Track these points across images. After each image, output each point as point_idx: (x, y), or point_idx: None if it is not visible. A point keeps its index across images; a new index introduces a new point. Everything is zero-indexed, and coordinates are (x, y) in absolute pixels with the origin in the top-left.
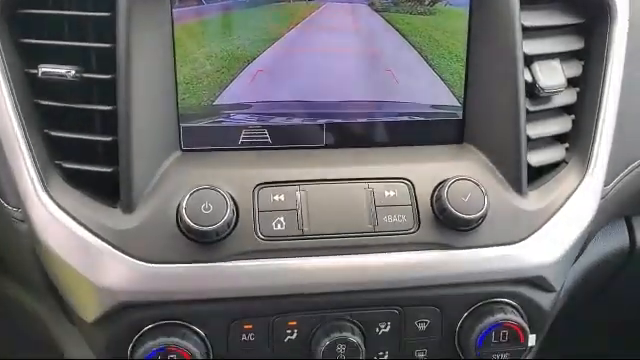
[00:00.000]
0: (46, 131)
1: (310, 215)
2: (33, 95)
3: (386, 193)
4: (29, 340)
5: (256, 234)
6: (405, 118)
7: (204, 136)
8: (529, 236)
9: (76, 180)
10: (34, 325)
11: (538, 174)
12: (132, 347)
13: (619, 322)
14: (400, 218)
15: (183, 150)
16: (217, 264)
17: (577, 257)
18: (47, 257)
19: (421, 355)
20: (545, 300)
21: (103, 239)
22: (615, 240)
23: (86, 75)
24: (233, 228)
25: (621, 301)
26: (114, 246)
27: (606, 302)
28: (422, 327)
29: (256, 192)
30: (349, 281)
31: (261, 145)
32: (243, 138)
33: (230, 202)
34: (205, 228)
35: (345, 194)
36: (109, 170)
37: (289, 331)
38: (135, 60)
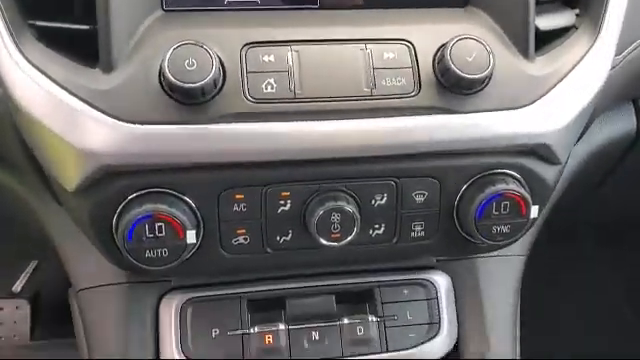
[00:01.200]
0: None
1: (302, 77)
2: None
3: (385, 55)
4: (12, 223)
5: (245, 96)
6: None
7: None
8: (535, 101)
9: (51, 40)
10: (17, 207)
11: (547, 42)
12: (117, 217)
13: (607, 223)
14: (399, 81)
15: (165, 10)
16: (204, 126)
17: (581, 135)
18: (25, 123)
19: (418, 228)
20: (549, 173)
21: (83, 100)
22: (621, 124)
23: None
24: (220, 89)
25: (612, 200)
26: (94, 107)
27: (595, 204)
28: (420, 199)
29: (244, 52)
30: (344, 147)
31: (249, 6)
32: None
33: (216, 59)
34: (189, 85)
35: (341, 55)
36: (87, 28)
37: (282, 202)
38: None
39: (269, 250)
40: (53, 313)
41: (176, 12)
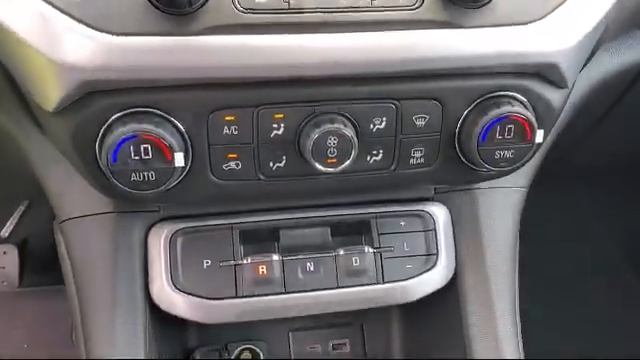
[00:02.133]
0: None
1: None
2: None
3: None
4: None
5: (235, 5)
6: None
7: None
8: (544, 17)
9: None
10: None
11: None
12: (100, 138)
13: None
14: None
15: None
16: (190, 38)
17: (588, 61)
18: (3, 38)
19: (418, 154)
20: (555, 97)
21: (58, 8)
22: (631, 54)
23: None
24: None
25: (607, 145)
26: (71, 16)
27: (590, 149)
28: (420, 123)
29: None
30: (340, 62)
31: None
32: None
33: None
34: None
35: None
36: None
37: (275, 125)
38: None
39: (262, 177)
40: (42, 259)
41: None
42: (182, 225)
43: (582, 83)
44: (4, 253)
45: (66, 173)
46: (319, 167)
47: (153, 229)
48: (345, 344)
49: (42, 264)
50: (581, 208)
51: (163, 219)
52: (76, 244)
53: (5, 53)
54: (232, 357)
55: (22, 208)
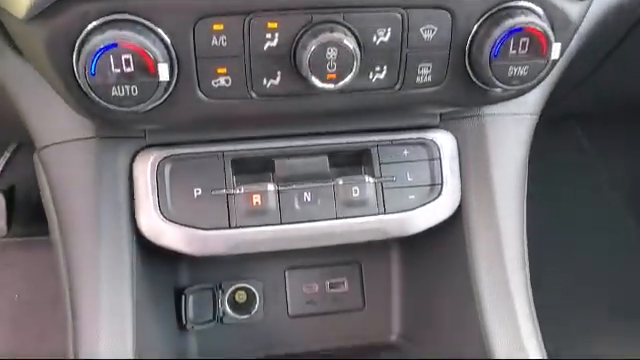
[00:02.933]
0: None
1: None
2: None
3: None
4: None
5: None
6: None
7: None
8: None
9: None
10: None
11: None
12: (78, 48)
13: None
14: None
15: None
16: None
17: None
18: None
19: (425, 71)
20: (573, 9)
21: None
22: None
23: None
24: None
25: (607, 88)
26: None
27: (590, 92)
28: (428, 36)
29: None
30: None
31: None
32: None
33: None
34: None
35: None
36: None
37: (269, 35)
38: None
39: (254, 95)
40: (30, 208)
41: None
42: (170, 152)
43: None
44: None
45: (44, 97)
46: (317, 83)
47: (139, 156)
48: (343, 283)
49: (30, 214)
50: (582, 153)
51: (149, 146)
52: (56, 172)
53: None
54: (226, 297)
55: (7, 154)
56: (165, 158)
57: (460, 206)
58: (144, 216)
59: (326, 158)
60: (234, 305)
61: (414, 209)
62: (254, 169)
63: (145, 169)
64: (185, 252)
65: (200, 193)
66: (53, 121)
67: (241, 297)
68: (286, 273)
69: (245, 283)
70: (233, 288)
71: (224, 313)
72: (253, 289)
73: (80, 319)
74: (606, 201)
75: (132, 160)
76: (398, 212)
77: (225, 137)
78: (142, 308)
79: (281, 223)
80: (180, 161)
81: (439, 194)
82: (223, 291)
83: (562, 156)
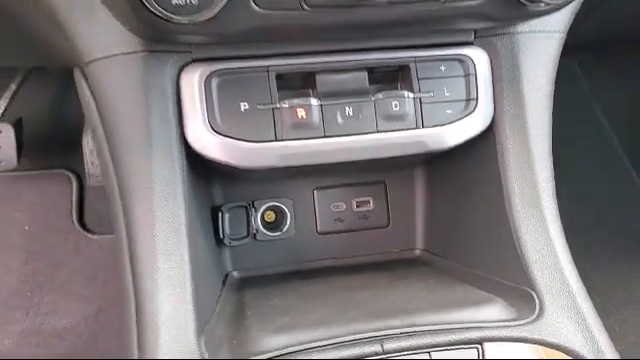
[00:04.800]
0: None
1: None
2: None
3: None
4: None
5: None
6: None
7: None
8: None
9: None
10: None
11: None
12: None
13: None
14: None
15: None
16: None
17: None
18: None
19: None
20: None
21: None
22: None
23: None
24: None
25: (614, 19)
26: None
27: (598, 20)
28: None
29: None
30: None
31: None
32: None
33: None
34: None
35: None
36: None
37: None
38: None
39: (306, 7)
40: (38, 141)
41: None
42: (216, 66)
43: None
44: (0, 132)
45: (91, 13)
46: None
47: (185, 70)
48: (369, 202)
49: (38, 146)
50: (578, 85)
51: (195, 60)
52: (104, 86)
53: None
54: (259, 214)
55: (14, 86)
56: (212, 72)
57: (493, 120)
58: (192, 129)
59: (366, 74)
60: (266, 222)
61: (451, 123)
62: (296, 84)
63: (192, 83)
64: (232, 164)
65: (247, 107)
66: (99, 36)
67: (270, 216)
68: (315, 192)
69: (276, 202)
70: (265, 206)
71: (257, 230)
72: (284, 207)
73: (136, 234)
74: (599, 130)
75: (179, 74)
76: (436, 126)
77: (268, 53)
78: (192, 224)
79: (325, 136)
80: (226, 75)
81: (474, 109)
82: (256, 209)
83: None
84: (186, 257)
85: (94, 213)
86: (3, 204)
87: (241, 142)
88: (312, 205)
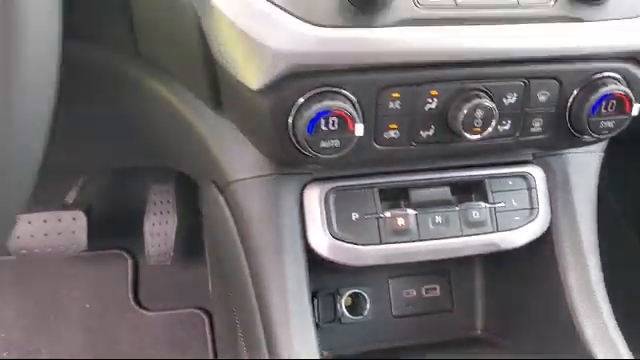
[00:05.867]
0: None
1: None
2: None
3: None
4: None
5: (415, 3)
6: None
7: None
8: None
9: None
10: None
11: None
12: (296, 112)
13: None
14: None
15: None
16: (379, 29)
17: None
18: (217, 24)
19: (537, 124)
20: None
21: (276, 4)
22: None
23: None
24: None
25: None
26: (287, 11)
27: None
28: (542, 98)
29: None
30: (491, 49)
31: None
32: None
33: None
34: None
35: None
36: None
37: (429, 100)
38: None
39: (413, 144)
40: (104, 226)
41: None
42: (333, 185)
43: None
44: (73, 219)
45: (234, 143)
46: (467, 135)
47: (307, 188)
48: (435, 288)
49: (103, 230)
50: None
51: (315, 179)
52: (243, 202)
53: (217, 37)
54: (343, 300)
55: (84, 178)
56: (330, 189)
57: (550, 223)
58: (314, 235)
59: (449, 188)
60: (348, 307)
61: (519, 228)
62: (394, 196)
63: (314, 198)
64: (346, 263)
65: (357, 216)
66: (243, 162)
67: (351, 302)
68: (389, 281)
69: (358, 289)
70: (348, 293)
71: (342, 314)
72: (364, 294)
73: (273, 327)
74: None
75: (302, 191)
76: (507, 230)
77: (373, 172)
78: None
79: (420, 240)
80: (340, 191)
81: (536, 216)
82: (340, 295)
83: None
84: (314, 343)
85: (149, 291)
86: (65, 283)
87: (353, 245)
88: (387, 292)
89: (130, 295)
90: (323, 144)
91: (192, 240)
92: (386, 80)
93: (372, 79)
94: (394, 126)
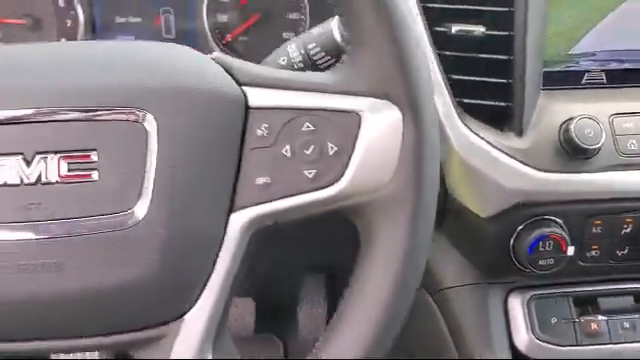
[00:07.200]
0: (449, 75)
1: None
2: (436, 47)
3: None
4: None
5: (617, 152)
6: None
7: (556, 79)
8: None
9: (471, 112)
10: None
11: None
12: (517, 235)
13: None
14: None
15: (542, 89)
16: (589, 174)
17: None
18: (458, 166)
19: None
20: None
21: (507, 154)
22: None
23: (489, 32)
24: (600, 148)
25: None
26: (516, 159)
27: None
28: None
29: (611, 120)
30: None
31: (598, 85)
32: (585, 79)
33: (603, 126)
34: (587, 146)
35: None
36: (503, 104)
37: (625, 226)
38: (530, 21)
39: (610, 261)
40: (268, 311)
41: (549, 90)
42: (533, 292)
43: None
44: (244, 305)
45: (450, 256)
46: None
47: (512, 296)
48: None
49: (267, 315)
50: None
51: (516, 287)
52: (453, 308)
53: (456, 176)
54: None
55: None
56: (531, 296)
57: None
58: (521, 338)
59: (632, 297)
60: None
61: None
62: (584, 303)
63: (519, 304)
64: None
65: (555, 321)
66: (452, 271)
67: None
68: None
69: None
70: None
71: None
72: None
73: None
74: None
75: (506, 298)
76: None
77: (564, 282)
78: None
79: (610, 343)
80: (540, 299)
81: None
82: None
83: None
84: None
85: None
86: None
87: (555, 346)
88: None
89: None
90: (541, 262)
91: None
92: (591, 211)
93: (581, 210)
94: (596, 246)
